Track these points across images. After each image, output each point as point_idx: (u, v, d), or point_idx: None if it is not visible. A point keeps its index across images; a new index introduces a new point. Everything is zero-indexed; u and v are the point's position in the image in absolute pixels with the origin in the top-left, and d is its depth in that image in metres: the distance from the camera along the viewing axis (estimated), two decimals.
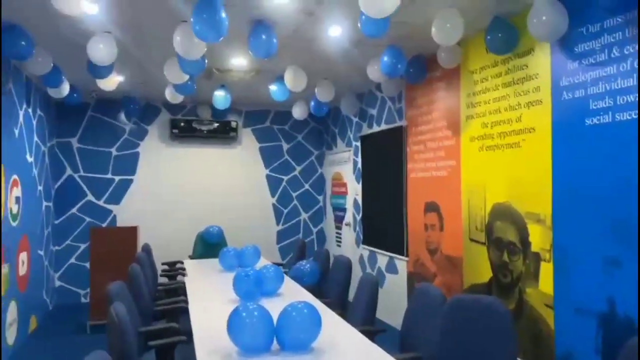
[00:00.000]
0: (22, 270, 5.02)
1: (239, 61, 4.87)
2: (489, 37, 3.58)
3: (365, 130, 6.28)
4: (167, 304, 3.60)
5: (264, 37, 3.72)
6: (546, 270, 3.32)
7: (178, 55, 3.81)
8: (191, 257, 5.82)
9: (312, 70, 4.95)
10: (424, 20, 3.65)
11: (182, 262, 5.44)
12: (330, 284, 4.15)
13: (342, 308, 3.67)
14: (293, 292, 3.70)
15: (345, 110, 6.34)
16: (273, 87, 5.33)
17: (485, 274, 3.93)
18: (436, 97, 4.68)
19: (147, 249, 5.04)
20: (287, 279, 4.29)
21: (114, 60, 4.05)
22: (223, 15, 2.94)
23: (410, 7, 3.46)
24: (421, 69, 4.61)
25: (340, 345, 2.51)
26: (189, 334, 2.74)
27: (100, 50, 3.80)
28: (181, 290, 4.19)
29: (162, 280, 5.34)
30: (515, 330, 2.39)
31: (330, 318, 2.98)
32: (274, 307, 2.55)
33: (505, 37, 3.54)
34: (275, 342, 2.40)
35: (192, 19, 2.91)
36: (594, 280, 2.95)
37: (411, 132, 5.13)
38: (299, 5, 3.44)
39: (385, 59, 4.13)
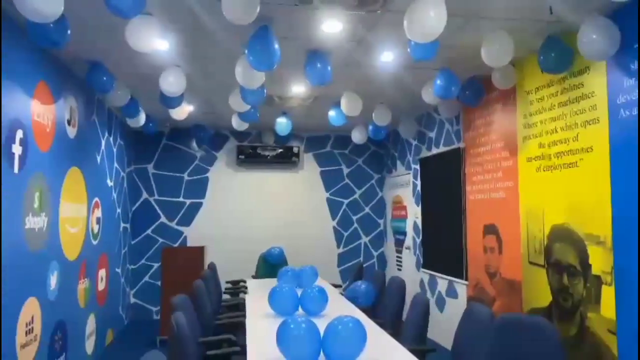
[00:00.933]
0: (101, 285, 5.45)
1: (298, 89, 5.12)
2: (542, 57, 3.56)
3: (424, 153, 6.30)
4: (227, 318, 3.79)
5: (318, 65, 3.92)
6: (608, 294, 3.18)
7: (240, 86, 4.09)
8: (254, 277, 6.05)
9: (367, 94, 5.09)
10: (475, 42, 3.69)
11: (244, 281, 5.67)
12: (385, 305, 4.18)
13: (394, 328, 3.70)
14: (345, 312, 3.76)
15: (403, 134, 6.40)
16: (331, 113, 5.52)
17: (545, 298, 3.81)
18: (493, 118, 4.66)
19: (212, 268, 5.32)
20: (342, 298, 4.38)
21: (184, 91, 4.41)
22: (276, 46, 3.16)
23: (461, 31, 3.54)
24: (477, 90, 4.62)
25: None
26: (244, 346, 2.89)
27: (171, 83, 4.16)
28: (242, 307, 4.38)
29: (226, 297, 5.59)
30: (564, 349, 2.33)
31: (377, 335, 3.03)
32: (324, 323, 2.64)
33: (559, 56, 3.51)
34: (321, 354, 2.49)
35: (246, 51, 3.15)
36: None
37: (469, 153, 5.11)
38: (350, 34, 3.61)
39: (439, 82, 4.20)
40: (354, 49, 3.93)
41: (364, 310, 4.00)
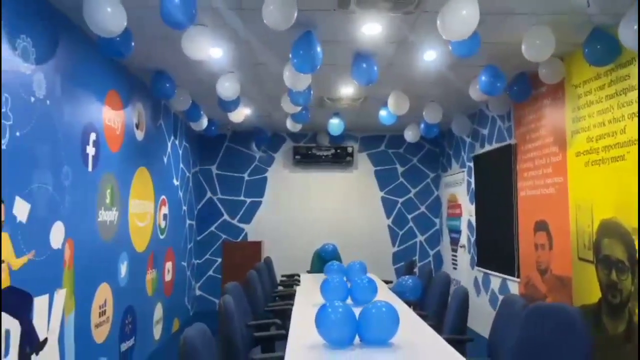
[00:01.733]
0: (168, 277, 5.90)
1: (346, 90, 5.30)
2: (587, 49, 3.53)
3: (478, 150, 6.28)
4: (277, 306, 4.04)
5: (364, 65, 4.09)
6: None
7: (289, 88, 4.34)
8: (308, 272, 6.28)
9: (416, 93, 5.19)
10: (519, 38, 3.71)
11: (299, 275, 5.92)
12: (430, 298, 4.26)
13: (437, 321, 3.78)
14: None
15: (456, 131, 6.41)
16: (382, 113, 5.66)
17: (594, 294, 3.75)
18: (542, 113, 4.61)
19: (268, 261, 5.61)
20: (389, 292, 4.51)
21: (239, 95, 4.73)
22: (317, 50, 3.36)
23: (501, 27, 3.58)
24: (525, 86, 4.59)
25: (417, 345, 2.69)
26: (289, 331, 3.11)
27: (226, 88, 4.49)
28: (293, 297, 4.61)
29: (280, 289, 5.86)
30: (592, 339, 2.35)
31: (413, 321, 3.15)
32: None
33: (605, 48, 3.46)
34: (357, 337, 2.66)
35: (290, 55, 3.38)
36: None
37: (520, 150, 5.07)
38: (390, 35, 3.74)
39: (483, 78, 4.24)
40: (396, 49, 4.06)
41: (411, 304, 4.11)
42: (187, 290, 6.96)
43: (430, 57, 4.21)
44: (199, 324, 2.14)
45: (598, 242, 3.72)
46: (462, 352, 2.60)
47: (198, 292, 7.54)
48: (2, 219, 2.59)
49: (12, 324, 2.70)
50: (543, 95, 4.57)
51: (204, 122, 6.00)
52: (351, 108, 5.92)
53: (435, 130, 6.21)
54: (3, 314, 2.62)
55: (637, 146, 3.30)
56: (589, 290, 3.82)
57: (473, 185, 6.39)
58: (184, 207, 6.77)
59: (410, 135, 6.65)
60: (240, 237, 7.65)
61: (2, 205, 2.59)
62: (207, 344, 2.11)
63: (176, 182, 6.33)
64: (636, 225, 3.29)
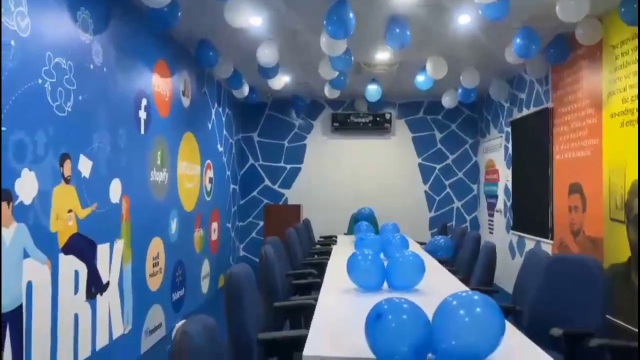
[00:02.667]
0: (214, 236, 6.28)
1: (382, 55, 5.41)
2: (622, 9, 3.51)
3: (516, 115, 6.27)
4: (314, 259, 4.34)
5: (397, 30, 4.19)
6: None
7: (327, 55, 4.50)
8: (345, 234, 6.53)
9: (453, 58, 5.23)
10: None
11: (336, 237, 6.18)
12: (461, 256, 4.43)
13: (467, 276, 3.95)
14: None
15: (494, 96, 6.41)
16: (419, 78, 5.73)
17: (624, 253, 3.81)
18: (580, 75, 4.59)
19: (306, 222, 5.89)
20: (422, 251, 4.69)
21: (278, 62, 4.93)
22: (350, 16, 3.50)
23: None
24: (562, 48, 4.57)
25: (442, 291, 2.88)
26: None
27: (266, 55, 4.69)
28: (329, 254, 4.88)
29: (318, 247, 6.14)
30: (607, 287, 2.48)
31: (442, 274, 3.35)
32: None
33: None
34: (385, 283, 2.88)
35: (324, 21, 3.54)
36: None
37: (557, 113, 5.07)
38: None
39: (518, 40, 4.26)
40: (430, 13, 4.13)
41: (442, 262, 4.29)
42: (232, 250, 7.37)
43: (464, 20, 4.26)
44: (243, 264, 2.40)
45: (629, 202, 3.76)
46: None
47: (242, 253, 7.95)
48: (70, 173, 2.93)
49: (80, 266, 3.08)
50: (581, 57, 4.54)
51: (246, 89, 6.25)
52: (388, 74, 6.02)
53: (473, 95, 6.23)
54: (72, 257, 2.99)
55: None
56: (619, 250, 3.89)
57: (510, 151, 6.41)
58: (228, 172, 7.11)
59: (448, 100, 6.69)
60: (281, 202, 7.96)
61: (69, 161, 2.93)
62: (251, 282, 2.38)
63: (220, 148, 6.65)
64: None
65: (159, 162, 4.36)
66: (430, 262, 3.98)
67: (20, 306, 2.49)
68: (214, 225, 6.29)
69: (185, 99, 5.11)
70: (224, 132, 6.85)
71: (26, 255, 2.53)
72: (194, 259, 5.44)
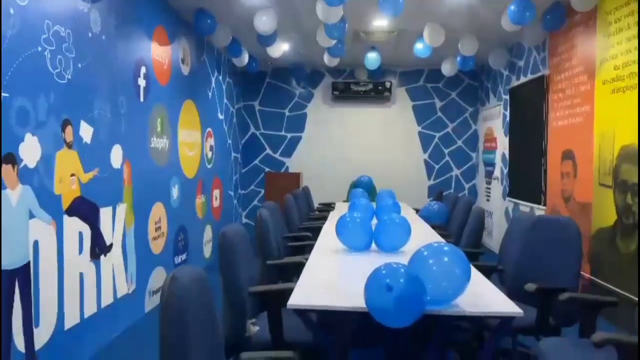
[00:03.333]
0: (216, 203, 6.44)
1: (380, 23, 5.42)
2: None
3: (514, 83, 6.30)
4: (309, 223, 4.49)
5: None
6: None
7: (323, 23, 4.53)
8: (345, 202, 6.66)
9: (451, 26, 5.24)
10: None
11: (334, 204, 6.32)
12: (453, 221, 4.55)
13: (458, 240, 4.09)
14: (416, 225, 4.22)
15: (493, 64, 6.42)
16: (418, 46, 5.75)
17: (611, 217, 3.93)
18: (575, 42, 4.61)
19: (305, 189, 6.02)
20: (416, 217, 4.82)
21: (276, 30, 4.96)
22: None
23: None
24: (558, 14, 4.57)
25: None
26: None
27: (264, 22, 4.72)
28: (325, 220, 5.02)
29: (316, 213, 6.30)
30: (582, 247, 2.60)
31: (432, 237, 3.48)
32: None
33: None
34: (373, 243, 3.01)
35: None
36: None
37: (553, 80, 5.10)
38: None
39: (512, 7, 4.28)
40: None
41: (436, 227, 4.42)
42: (234, 217, 7.54)
43: None
44: (237, 224, 2.53)
45: (617, 167, 3.85)
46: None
47: (244, 220, 8.13)
48: (71, 139, 3.05)
49: (83, 228, 3.23)
50: (576, 24, 4.56)
51: (245, 57, 6.29)
52: (387, 42, 6.03)
53: (471, 63, 6.25)
54: (76, 218, 3.13)
55: None
56: (606, 214, 4.00)
57: (508, 119, 6.46)
58: (229, 141, 7.21)
59: (448, 68, 6.71)
60: (282, 170, 8.08)
61: (70, 127, 3.04)
62: (244, 242, 2.52)
63: (220, 116, 6.73)
64: None
65: (159, 129, 4.47)
66: (422, 227, 4.12)
67: (28, 263, 2.64)
68: (216, 192, 6.44)
69: (184, 67, 5.18)
70: (225, 100, 6.93)
71: (32, 215, 2.67)
72: (196, 225, 5.61)
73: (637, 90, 3.59)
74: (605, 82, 4.05)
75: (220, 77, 6.70)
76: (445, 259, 1.79)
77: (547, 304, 2.38)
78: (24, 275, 2.61)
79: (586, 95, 4.38)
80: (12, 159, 2.50)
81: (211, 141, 6.24)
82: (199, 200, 5.71)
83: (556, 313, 2.43)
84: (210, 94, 6.18)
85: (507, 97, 6.50)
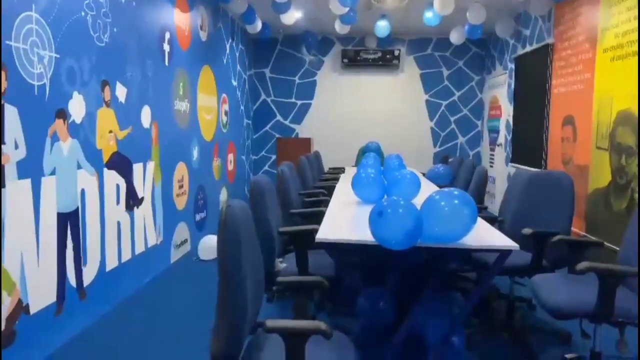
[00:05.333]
0: (230, 166, 6.73)
1: None
2: None
3: (520, 52, 6.48)
4: (323, 183, 4.79)
5: None
6: None
7: None
8: (354, 167, 6.95)
9: None
10: None
11: (344, 168, 6.60)
12: (457, 183, 4.84)
13: None
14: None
15: (500, 33, 6.59)
16: (427, 14, 5.93)
17: (606, 178, 4.20)
18: (579, 11, 4.80)
19: (316, 154, 6.29)
20: (423, 178, 5.10)
21: None
22: None
23: None
24: None
25: None
26: None
27: None
28: (337, 181, 5.32)
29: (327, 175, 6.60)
30: (574, 197, 2.88)
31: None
32: None
33: None
34: (385, 196, 3.30)
35: None
36: None
37: (557, 48, 5.30)
38: None
39: None
40: None
41: (441, 187, 4.71)
42: (247, 181, 7.85)
43: None
44: (264, 175, 2.83)
45: (614, 131, 4.10)
46: None
47: None
48: (109, 97, 3.32)
49: (120, 181, 3.53)
50: None
51: (259, 25, 6.48)
52: (397, 10, 6.20)
53: (479, 32, 6.43)
54: (114, 172, 3.43)
55: None
56: (602, 175, 4.27)
57: (513, 87, 6.67)
58: (242, 107, 7.46)
59: (456, 37, 6.88)
60: (292, 136, 8.34)
61: (108, 87, 3.31)
62: (271, 189, 2.82)
63: (234, 83, 6.96)
64: None
65: (181, 92, 4.72)
66: (429, 186, 4.40)
67: (77, 209, 2.95)
68: (230, 156, 6.72)
69: (202, 33, 5.39)
70: (238, 67, 7.14)
71: (79, 166, 2.97)
72: (214, 185, 5.92)
73: (636, 57, 3.81)
74: (606, 50, 4.26)
75: (234, 44, 6.90)
76: (456, 201, 2.06)
77: (541, 247, 2.68)
78: (75, 218, 2.93)
79: (588, 63, 4.59)
80: (64, 114, 2.78)
81: (226, 107, 6.49)
82: (216, 162, 6.00)
83: (549, 255, 2.74)
84: (225, 60, 6.40)
85: (513, 65, 6.69)
